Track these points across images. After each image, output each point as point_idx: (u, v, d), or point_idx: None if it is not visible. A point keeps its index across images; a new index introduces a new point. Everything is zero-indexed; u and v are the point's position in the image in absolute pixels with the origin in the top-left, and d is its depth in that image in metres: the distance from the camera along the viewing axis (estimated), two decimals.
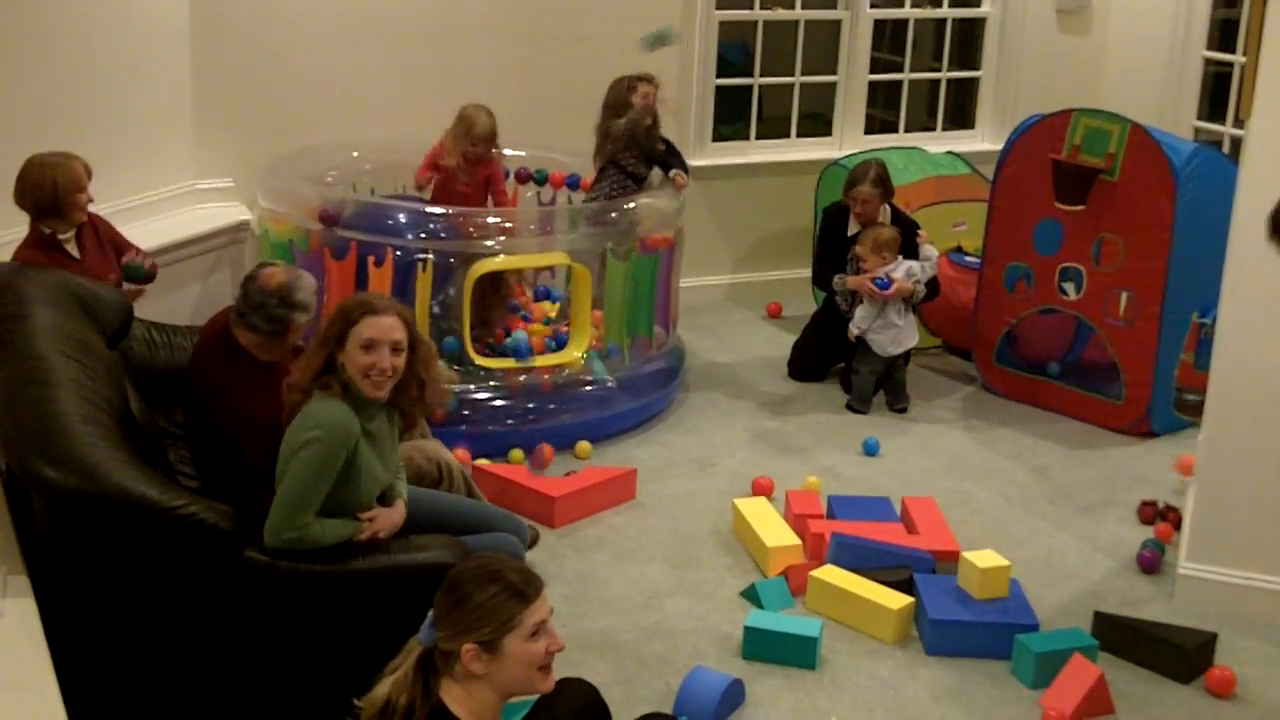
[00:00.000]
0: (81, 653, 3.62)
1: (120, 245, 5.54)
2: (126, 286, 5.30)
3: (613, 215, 6.32)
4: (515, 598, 3.18)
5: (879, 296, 6.66)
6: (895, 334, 6.72)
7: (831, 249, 7.00)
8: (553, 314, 7.05)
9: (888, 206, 6.90)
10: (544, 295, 7.37)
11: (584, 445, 6.08)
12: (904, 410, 6.77)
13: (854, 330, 6.73)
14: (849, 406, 6.79)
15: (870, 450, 6.27)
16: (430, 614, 3.18)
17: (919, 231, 6.89)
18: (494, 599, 3.17)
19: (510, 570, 3.24)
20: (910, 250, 6.78)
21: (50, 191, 5.18)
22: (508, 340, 6.45)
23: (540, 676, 3.28)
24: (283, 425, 3.99)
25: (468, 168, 6.55)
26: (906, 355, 6.86)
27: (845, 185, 6.91)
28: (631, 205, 6.38)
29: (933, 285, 6.84)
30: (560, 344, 6.43)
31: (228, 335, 4.45)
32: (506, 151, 6.80)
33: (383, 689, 3.18)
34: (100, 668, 3.71)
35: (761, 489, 5.72)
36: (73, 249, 5.26)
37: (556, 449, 5.97)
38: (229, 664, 3.81)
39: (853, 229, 6.93)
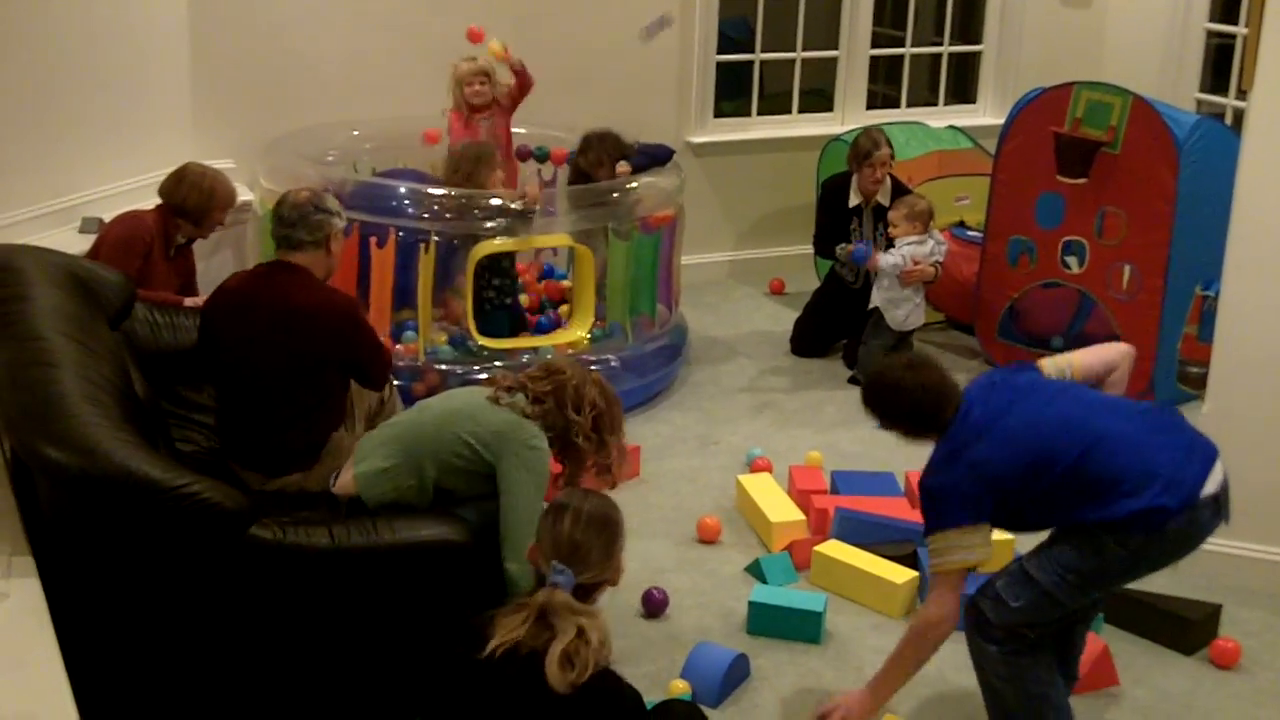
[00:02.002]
0: (87, 633, 3.63)
1: (189, 282, 5.83)
2: None
3: (614, 195, 6.31)
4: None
5: (871, 267, 6.65)
6: (911, 309, 6.71)
7: (833, 222, 6.99)
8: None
9: (889, 180, 6.89)
10: (547, 274, 7.36)
11: None
12: None
13: (841, 254, 6.79)
14: (852, 380, 6.79)
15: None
16: (562, 565, 3.23)
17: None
18: (622, 523, 3.40)
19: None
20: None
21: (206, 196, 5.59)
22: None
23: None
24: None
25: (479, 114, 6.61)
26: (914, 334, 6.86)
27: (857, 154, 6.85)
28: (633, 185, 6.37)
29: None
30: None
31: (281, 275, 4.69)
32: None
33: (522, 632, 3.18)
34: (105, 647, 3.71)
35: (759, 470, 5.72)
36: (160, 254, 5.59)
37: None
38: (233, 643, 3.82)
39: (854, 199, 6.92)
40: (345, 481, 4.28)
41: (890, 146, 6.81)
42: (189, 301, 5.53)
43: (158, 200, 5.66)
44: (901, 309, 6.70)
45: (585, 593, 3.28)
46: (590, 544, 3.28)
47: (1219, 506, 3.76)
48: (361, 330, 4.69)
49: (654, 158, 6.60)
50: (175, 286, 5.68)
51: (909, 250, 6.62)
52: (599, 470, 4.38)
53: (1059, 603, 3.76)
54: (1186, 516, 3.67)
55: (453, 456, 4.18)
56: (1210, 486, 3.71)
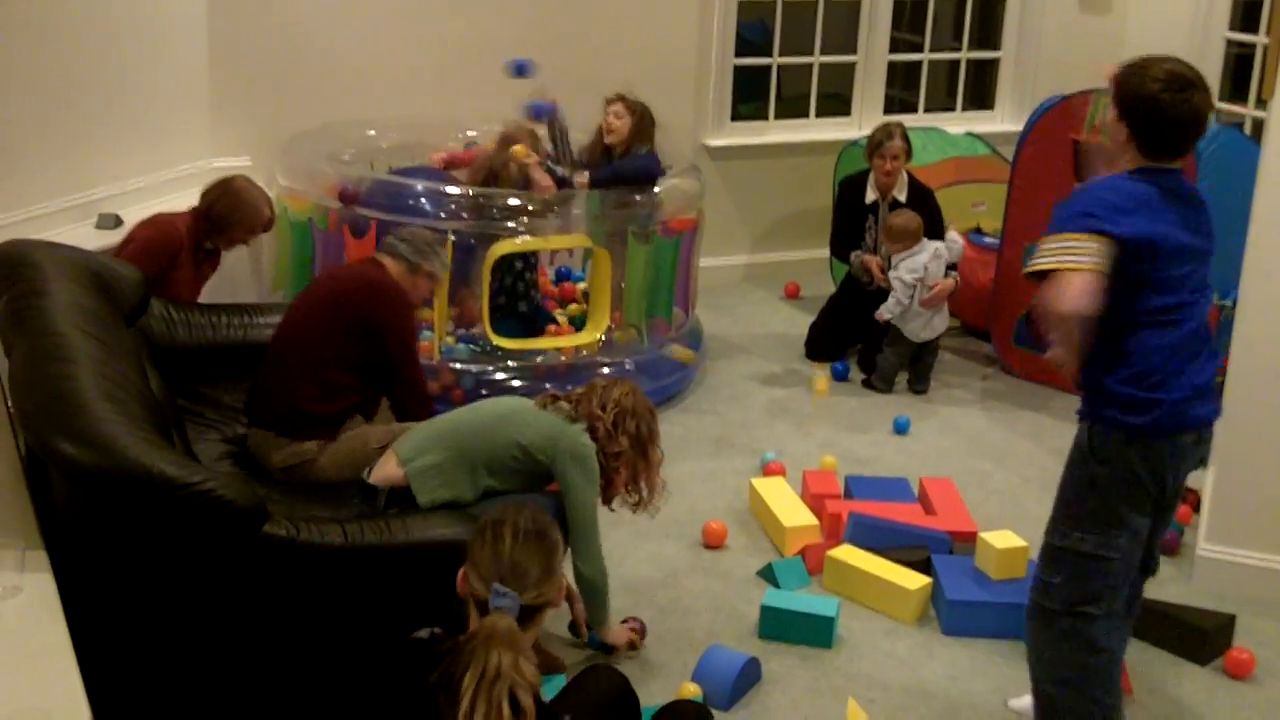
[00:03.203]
0: (100, 628, 3.63)
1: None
2: None
3: (636, 198, 6.30)
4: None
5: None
6: (927, 319, 6.70)
7: (849, 219, 6.99)
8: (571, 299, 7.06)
9: (905, 173, 6.88)
10: (564, 276, 7.36)
11: None
12: (923, 392, 6.76)
13: (883, 315, 6.72)
14: (866, 382, 6.79)
15: (901, 429, 6.27)
16: (504, 588, 2.98)
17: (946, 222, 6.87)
18: (560, 537, 3.22)
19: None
20: (932, 223, 6.76)
21: (232, 209, 5.60)
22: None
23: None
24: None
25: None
26: (938, 343, 6.84)
27: (871, 144, 6.86)
28: (655, 189, 6.36)
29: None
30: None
31: (365, 263, 5.07)
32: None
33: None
34: (118, 643, 3.72)
35: (773, 473, 5.71)
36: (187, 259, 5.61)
37: None
38: (246, 639, 3.82)
39: (870, 196, 6.91)
40: (388, 473, 4.30)
41: (906, 140, 6.80)
42: None
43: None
44: (914, 322, 6.70)
45: (528, 616, 3.04)
46: (530, 561, 3.05)
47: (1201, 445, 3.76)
48: (403, 320, 4.87)
49: (626, 178, 6.40)
50: (199, 293, 5.70)
51: (906, 270, 6.64)
52: (628, 483, 4.39)
53: (1095, 555, 3.72)
54: (1168, 442, 3.68)
55: (508, 459, 4.26)
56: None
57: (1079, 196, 3.63)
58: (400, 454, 4.31)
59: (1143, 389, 3.64)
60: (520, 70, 6.52)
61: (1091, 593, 3.75)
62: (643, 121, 6.49)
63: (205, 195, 5.63)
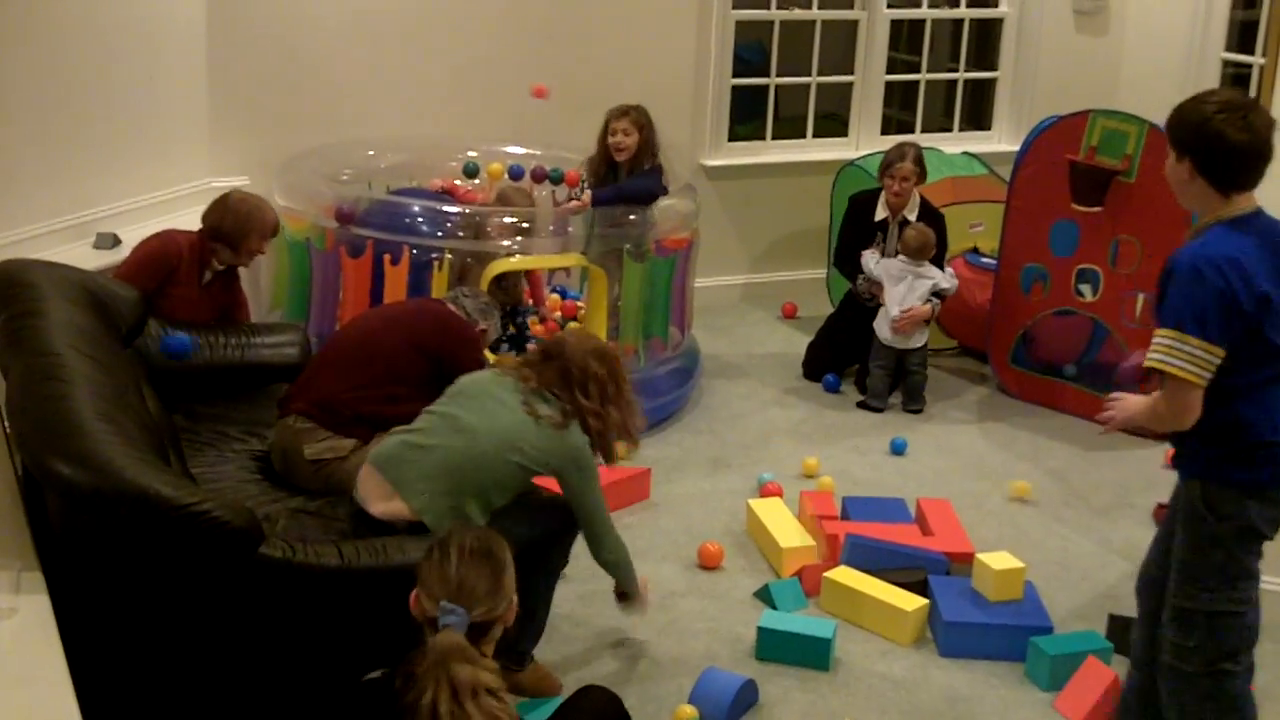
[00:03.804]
0: (96, 650, 3.63)
1: (228, 314, 5.80)
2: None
3: (630, 217, 6.30)
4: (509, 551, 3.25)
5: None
6: (886, 322, 6.76)
7: (857, 235, 7.00)
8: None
9: (917, 194, 6.89)
10: (559, 295, 7.36)
11: (620, 446, 6.07)
12: (918, 411, 6.76)
13: (862, 286, 6.87)
14: (860, 404, 6.79)
15: (898, 449, 6.27)
16: (451, 605, 3.02)
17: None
18: (509, 553, 3.20)
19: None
20: (938, 246, 6.78)
21: (242, 221, 5.58)
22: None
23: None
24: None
25: None
26: (923, 359, 6.84)
27: (884, 164, 6.89)
28: (649, 208, 6.36)
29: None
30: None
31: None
32: (519, 150, 6.82)
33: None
34: (113, 664, 3.71)
35: (770, 494, 5.70)
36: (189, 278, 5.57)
37: None
38: (241, 661, 3.81)
39: (880, 214, 6.93)
40: (394, 510, 4.17)
41: (918, 164, 6.82)
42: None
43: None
44: (884, 322, 6.76)
45: (479, 633, 3.07)
46: (476, 579, 3.08)
47: None
48: (476, 359, 4.96)
49: (628, 198, 6.37)
50: (209, 316, 5.59)
51: (907, 284, 6.71)
52: (620, 436, 4.43)
53: (1227, 613, 3.72)
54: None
55: (511, 480, 4.22)
56: None
57: (1195, 285, 3.51)
58: (405, 494, 4.17)
59: (1260, 446, 3.63)
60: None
61: (1228, 649, 3.74)
62: (649, 136, 6.50)
63: (208, 216, 5.60)
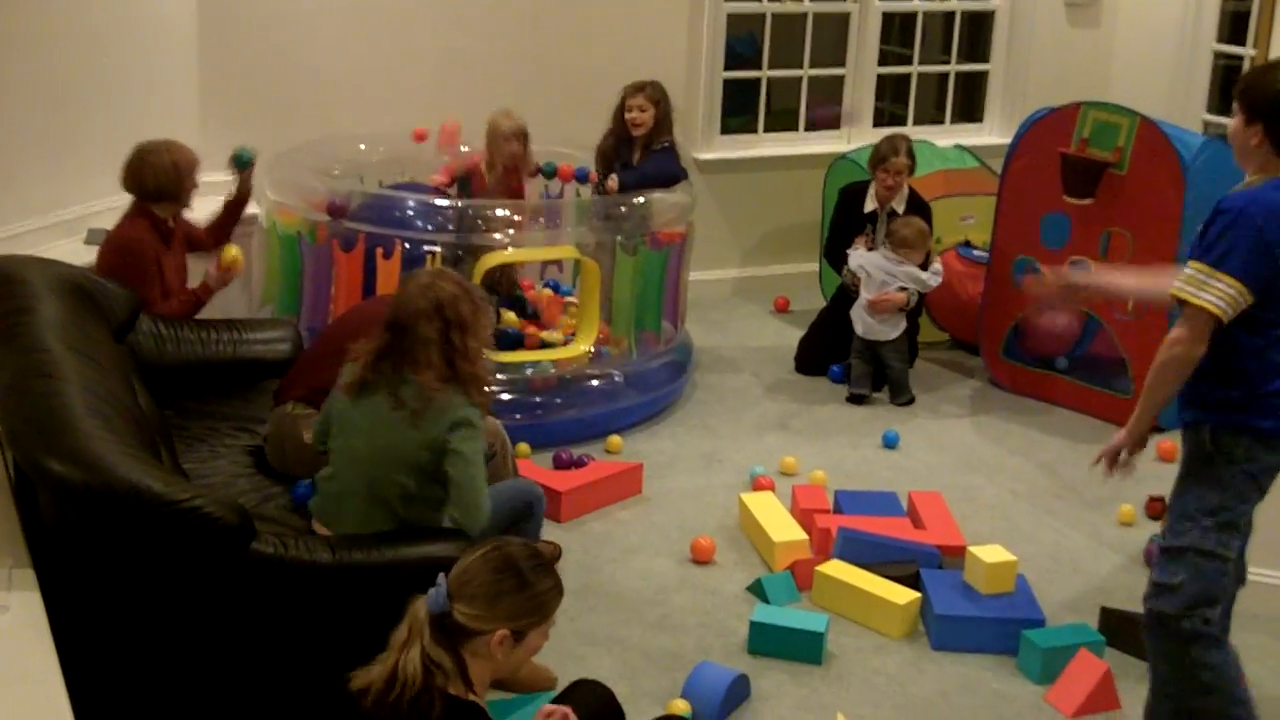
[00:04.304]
0: (87, 646, 3.63)
1: (194, 239, 5.80)
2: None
3: (622, 209, 6.31)
4: (559, 594, 3.19)
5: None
6: (861, 314, 6.78)
7: (846, 227, 7.02)
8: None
9: (907, 187, 6.90)
10: (552, 289, 7.36)
11: (615, 440, 6.12)
12: (907, 403, 6.76)
13: (847, 276, 6.90)
14: (850, 398, 6.81)
15: (890, 443, 6.27)
16: (444, 580, 3.10)
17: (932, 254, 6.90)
18: (548, 593, 3.17)
19: (550, 561, 3.24)
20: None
21: (172, 173, 5.46)
22: None
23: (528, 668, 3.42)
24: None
25: (505, 177, 6.57)
26: (900, 352, 6.84)
27: (875, 157, 6.90)
28: (642, 200, 6.37)
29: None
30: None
31: None
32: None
33: (389, 660, 3.11)
34: (105, 661, 3.71)
35: (762, 488, 5.71)
36: (165, 252, 5.53)
37: (567, 443, 5.95)
38: (234, 657, 3.82)
39: (869, 205, 6.94)
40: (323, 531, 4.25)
41: (910, 157, 6.84)
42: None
43: (129, 199, 5.54)
44: (855, 311, 6.80)
45: (452, 632, 3.09)
46: (478, 576, 3.10)
47: None
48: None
49: (651, 181, 6.50)
50: (186, 271, 5.64)
51: (888, 273, 6.73)
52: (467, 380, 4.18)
53: (1214, 554, 3.77)
54: None
55: (409, 489, 4.15)
56: None
57: (1236, 225, 3.62)
58: (323, 521, 4.24)
59: (1273, 395, 3.71)
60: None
61: (1209, 595, 3.79)
62: (665, 110, 6.54)
63: (138, 187, 5.47)
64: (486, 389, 4.26)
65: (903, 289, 6.70)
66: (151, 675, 3.78)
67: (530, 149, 6.76)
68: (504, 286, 6.69)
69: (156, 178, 5.45)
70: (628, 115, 6.55)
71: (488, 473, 4.26)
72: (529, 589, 3.14)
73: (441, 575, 3.15)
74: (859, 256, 6.80)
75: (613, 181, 6.45)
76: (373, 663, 3.16)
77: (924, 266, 6.77)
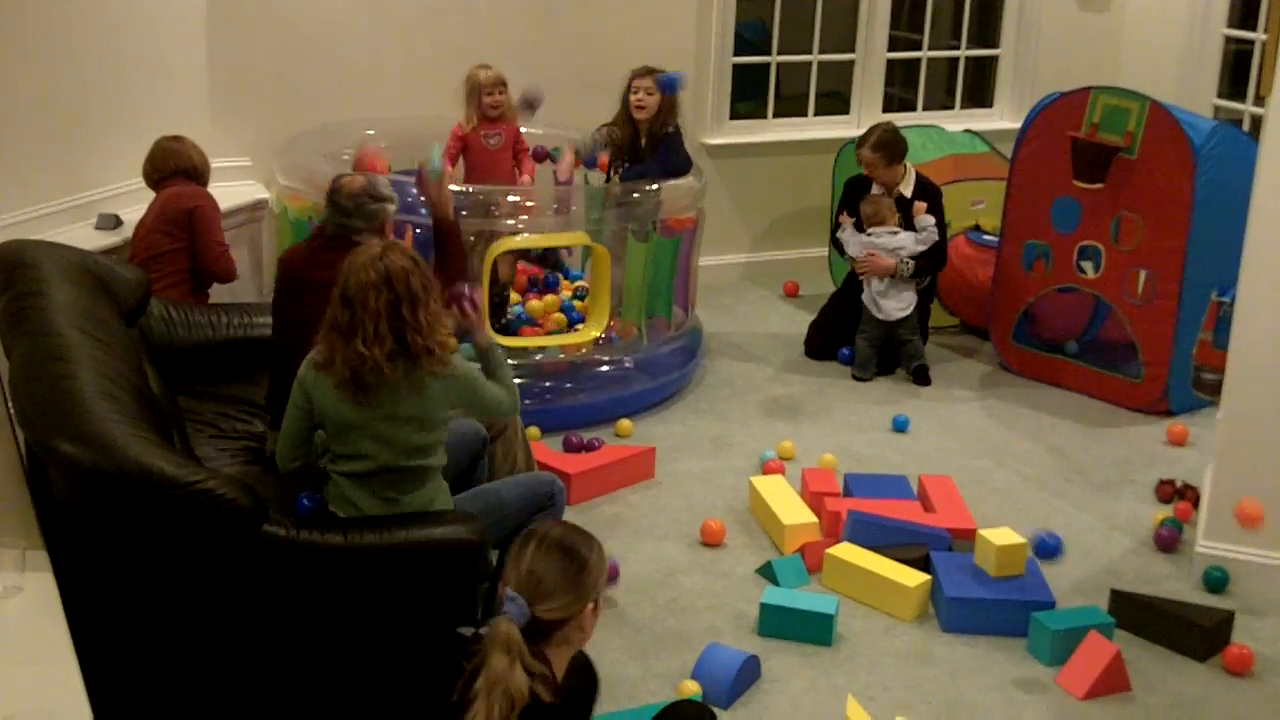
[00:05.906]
0: (100, 627, 3.64)
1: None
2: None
3: (634, 196, 6.31)
4: (604, 557, 3.17)
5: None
6: (872, 295, 6.81)
7: (850, 210, 7.02)
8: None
9: (912, 172, 6.90)
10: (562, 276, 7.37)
11: (625, 424, 6.13)
12: (922, 372, 6.80)
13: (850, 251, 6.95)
14: (856, 377, 6.82)
15: (900, 427, 6.27)
16: (511, 593, 2.99)
17: (916, 203, 6.88)
18: (599, 550, 3.14)
19: (571, 526, 3.22)
20: (939, 217, 6.83)
21: (201, 155, 5.96)
22: None
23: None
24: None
25: (489, 129, 6.58)
26: (912, 327, 6.87)
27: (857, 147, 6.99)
28: (654, 187, 6.36)
29: (938, 254, 6.85)
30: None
31: (324, 255, 4.60)
32: (521, 130, 6.81)
33: (481, 703, 2.92)
34: (118, 642, 3.73)
35: (772, 472, 5.71)
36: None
37: (577, 427, 5.96)
38: (246, 639, 3.83)
39: (876, 189, 6.96)
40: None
41: (884, 148, 6.82)
42: None
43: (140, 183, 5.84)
44: (890, 301, 6.80)
45: (543, 632, 3.02)
46: (548, 572, 3.01)
47: None
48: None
49: (670, 169, 6.56)
50: None
51: (867, 240, 6.81)
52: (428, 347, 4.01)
53: None
54: None
55: (425, 444, 4.09)
56: None
57: None
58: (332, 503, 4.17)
59: None
60: (670, 85, 6.58)
61: None
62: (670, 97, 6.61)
63: (185, 163, 5.89)
64: (443, 348, 4.01)
65: (902, 261, 6.74)
66: (164, 656, 3.79)
67: (512, 101, 6.71)
68: (502, 275, 6.68)
69: (191, 156, 5.89)
70: (633, 97, 6.57)
71: (498, 452, 4.26)
72: (591, 556, 3.10)
73: (505, 590, 3.02)
74: (854, 246, 6.81)
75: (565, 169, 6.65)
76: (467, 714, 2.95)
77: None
